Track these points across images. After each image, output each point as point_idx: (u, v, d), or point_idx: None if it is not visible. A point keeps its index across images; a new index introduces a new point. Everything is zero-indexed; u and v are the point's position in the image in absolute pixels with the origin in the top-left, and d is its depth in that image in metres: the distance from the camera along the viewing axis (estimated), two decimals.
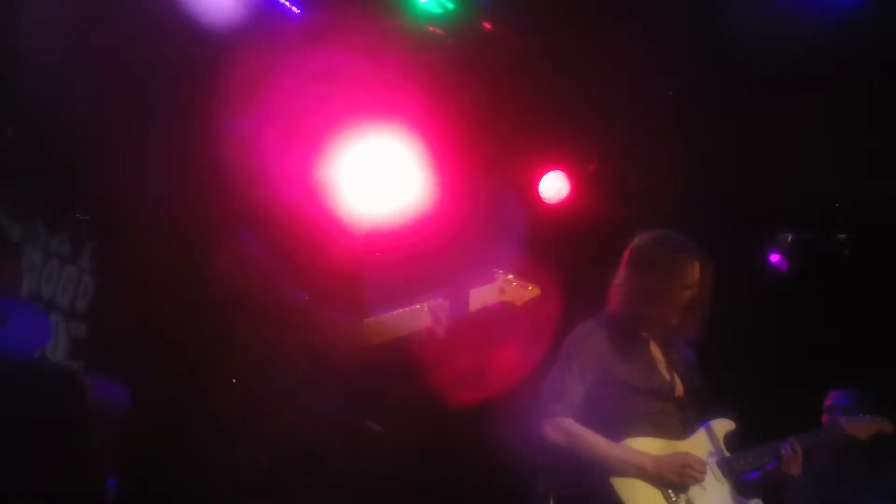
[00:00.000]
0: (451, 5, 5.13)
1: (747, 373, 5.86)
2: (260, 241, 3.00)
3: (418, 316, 3.34)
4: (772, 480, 4.17)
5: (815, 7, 4.96)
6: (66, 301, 5.14)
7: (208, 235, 3.07)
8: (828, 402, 5.42)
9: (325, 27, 4.96)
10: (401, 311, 3.32)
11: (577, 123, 6.02)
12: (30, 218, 4.97)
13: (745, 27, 4.93)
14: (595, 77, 5.62)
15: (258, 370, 2.94)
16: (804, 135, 5.49)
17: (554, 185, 6.25)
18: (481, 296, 3.52)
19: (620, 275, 4.17)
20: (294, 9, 5.02)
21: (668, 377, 4.11)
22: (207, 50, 4.45)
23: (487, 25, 5.29)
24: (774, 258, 5.89)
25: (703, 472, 3.87)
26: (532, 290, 3.82)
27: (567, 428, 3.86)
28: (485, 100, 5.65)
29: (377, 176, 5.32)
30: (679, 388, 4.12)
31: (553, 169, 6.25)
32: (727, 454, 4.07)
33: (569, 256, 6.13)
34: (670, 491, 3.85)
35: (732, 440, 4.13)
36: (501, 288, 3.60)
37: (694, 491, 3.89)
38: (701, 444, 4.04)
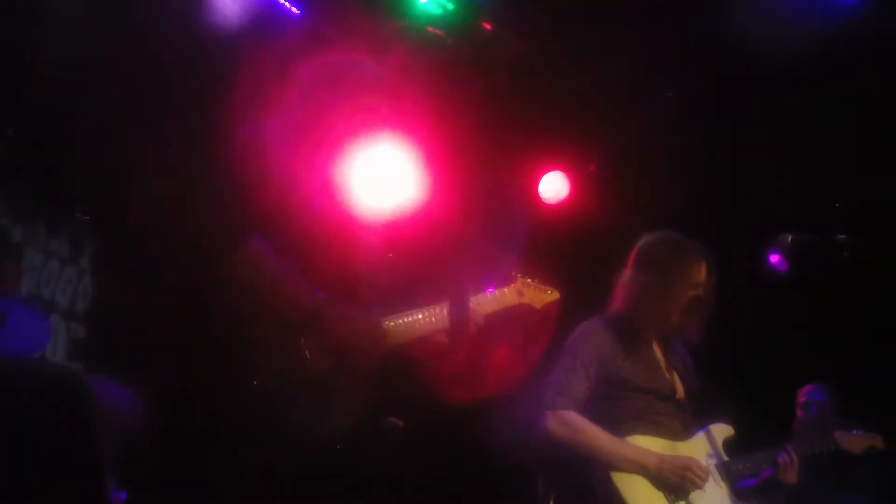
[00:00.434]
0: (450, 6, 5.14)
1: (746, 375, 5.87)
2: (271, 240, 2.99)
3: (439, 316, 3.35)
4: (768, 488, 4.19)
5: (815, 8, 4.97)
6: (66, 302, 5.12)
7: (212, 236, 3.06)
8: (801, 398, 5.44)
9: (325, 28, 4.96)
10: (422, 311, 3.33)
11: (576, 124, 6.03)
12: (31, 219, 4.96)
13: (744, 28, 4.94)
14: (595, 77, 5.63)
15: (276, 371, 2.94)
16: (804, 135, 5.50)
17: (554, 186, 6.25)
18: (501, 298, 3.53)
19: (626, 275, 4.19)
20: (294, 9, 5.02)
21: (669, 378, 4.12)
22: (207, 51, 4.45)
23: (487, 26, 5.30)
24: (774, 259, 5.89)
25: (704, 479, 3.87)
26: (551, 294, 3.83)
27: (571, 421, 3.87)
28: (484, 100, 5.65)
29: (377, 177, 5.33)
30: (679, 390, 4.13)
31: (553, 169, 6.26)
32: (725, 458, 4.08)
33: (568, 257, 6.13)
34: (669, 491, 3.86)
35: (730, 446, 4.14)
36: (520, 291, 3.62)
37: (693, 492, 3.90)
38: (700, 447, 4.05)
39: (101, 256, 5.07)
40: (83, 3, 4.29)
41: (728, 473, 4.05)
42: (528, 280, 3.66)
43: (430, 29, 5.23)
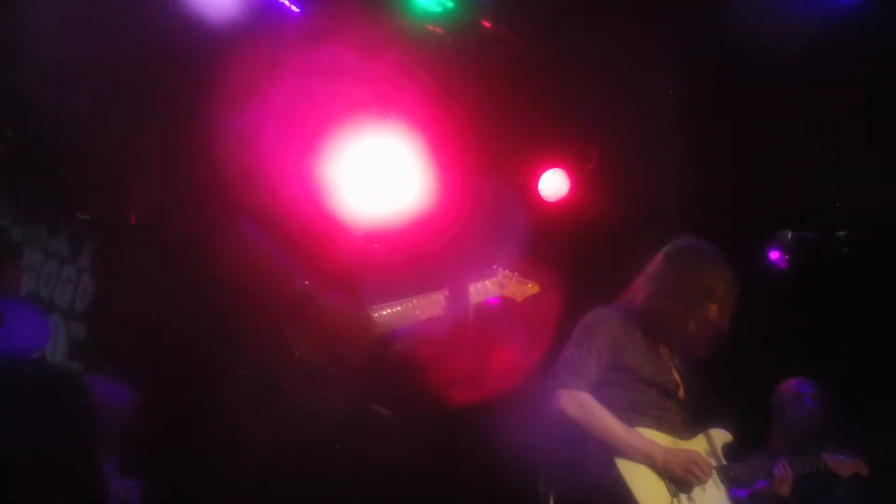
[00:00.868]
0: (450, 4, 5.13)
1: (745, 372, 5.86)
2: (260, 230, 2.98)
3: (429, 305, 3.36)
4: (762, 500, 4.21)
5: (816, 7, 4.97)
6: (66, 301, 5.13)
7: (208, 230, 3.05)
8: (790, 390, 5.44)
9: (325, 26, 4.96)
10: (412, 300, 3.33)
11: (576, 121, 6.02)
12: (31, 219, 4.96)
13: (745, 27, 4.93)
14: (595, 75, 5.62)
15: (266, 360, 2.93)
16: (804, 133, 5.50)
17: (553, 184, 6.25)
18: (482, 290, 3.53)
19: (650, 270, 4.19)
20: (293, 7, 5.02)
21: (673, 376, 4.14)
22: (208, 49, 4.44)
23: (487, 24, 5.30)
24: (774, 255, 5.89)
25: (707, 475, 3.88)
26: (532, 287, 3.84)
27: (583, 401, 3.87)
28: (484, 98, 5.65)
29: (377, 173, 5.34)
30: (682, 390, 4.14)
31: (552, 167, 6.26)
32: (724, 462, 4.09)
33: (568, 255, 6.13)
34: (672, 484, 3.86)
35: (728, 452, 4.15)
36: (501, 283, 3.63)
37: (695, 489, 3.91)
38: (701, 448, 4.07)
39: (101, 256, 5.07)
40: (82, 3, 4.29)
41: (726, 477, 4.06)
42: (510, 273, 3.67)
43: (430, 27, 5.23)
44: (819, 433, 5.12)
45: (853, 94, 5.25)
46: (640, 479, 3.82)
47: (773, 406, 5.52)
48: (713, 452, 4.10)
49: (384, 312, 3.26)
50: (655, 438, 3.92)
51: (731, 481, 4.08)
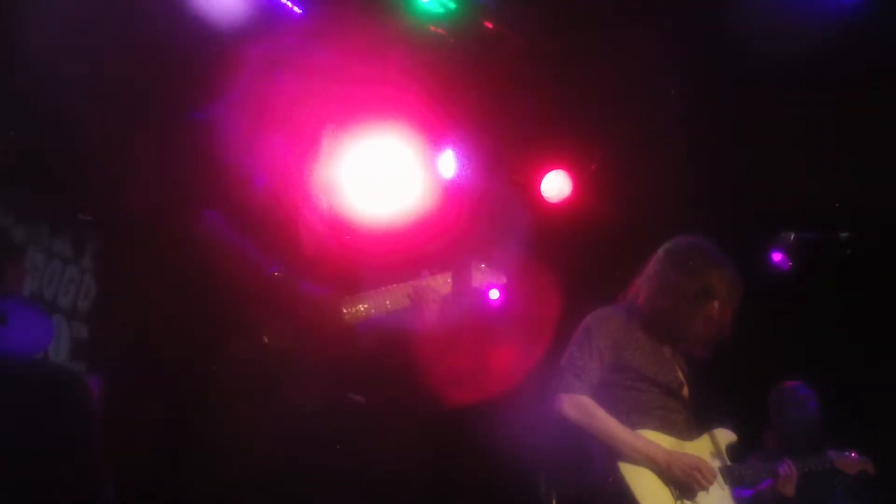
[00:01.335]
0: (452, 5, 5.13)
1: (747, 374, 5.86)
2: (227, 218, 2.97)
3: (402, 294, 3.36)
4: (765, 500, 4.19)
5: (817, 8, 4.96)
6: (68, 302, 5.14)
7: (181, 224, 3.02)
8: (791, 393, 5.44)
9: (327, 27, 4.96)
10: (384, 288, 3.33)
11: (578, 122, 6.02)
12: (33, 219, 4.97)
13: (746, 27, 4.93)
14: (597, 76, 5.62)
15: (236, 352, 2.91)
16: (806, 134, 5.49)
17: (556, 185, 6.25)
18: (442, 280, 3.52)
19: (650, 270, 4.17)
20: (296, 9, 5.02)
21: (677, 376, 4.13)
22: (209, 49, 4.45)
23: (489, 25, 5.29)
24: (776, 257, 5.88)
25: (710, 482, 3.86)
26: (500, 278, 3.81)
27: (585, 405, 3.85)
28: (486, 99, 5.65)
29: (377, 174, 5.34)
30: (686, 389, 4.13)
31: (555, 168, 6.26)
32: (728, 463, 4.08)
33: (570, 255, 6.14)
34: (675, 486, 3.86)
35: (732, 451, 4.14)
36: (473, 275, 3.62)
37: (698, 491, 3.90)
38: (705, 448, 4.06)
39: (103, 256, 5.08)
40: (84, 4, 4.30)
41: (730, 478, 4.05)
42: (482, 265, 3.67)
43: (432, 28, 5.23)
44: (816, 436, 5.12)
45: (855, 95, 5.25)
46: (643, 482, 3.81)
47: (771, 408, 5.52)
48: (717, 452, 4.08)
49: (358, 305, 3.25)
50: (659, 440, 3.91)
51: (735, 482, 4.06)
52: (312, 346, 3.07)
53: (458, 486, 5.87)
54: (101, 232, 5.16)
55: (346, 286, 3.23)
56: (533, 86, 5.67)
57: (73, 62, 4.33)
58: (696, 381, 4.21)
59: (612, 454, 3.80)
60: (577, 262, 5.96)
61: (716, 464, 4.02)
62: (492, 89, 5.61)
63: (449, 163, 5.73)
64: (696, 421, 4.11)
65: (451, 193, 5.68)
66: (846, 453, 4.56)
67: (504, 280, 3.69)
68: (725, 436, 4.14)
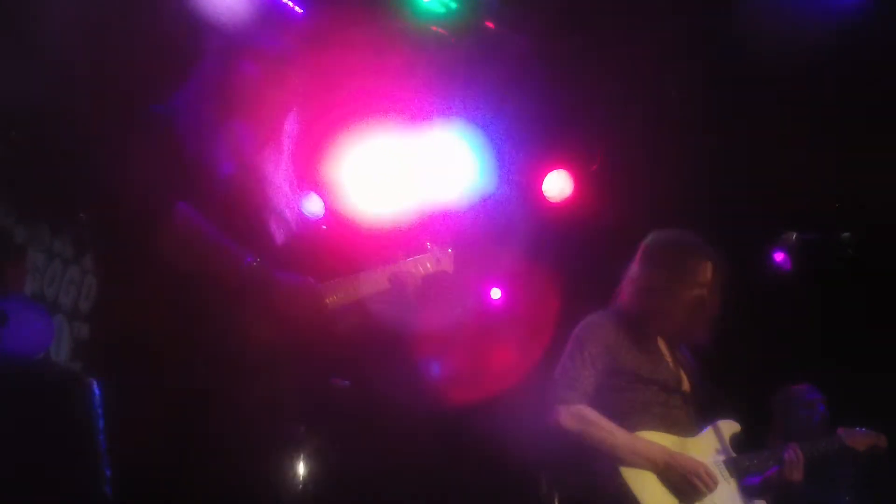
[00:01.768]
0: (453, 5, 5.13)
1: (750, 373, 5.86)
2: (201, 208, 2.95)
3: (379, 278, 3.36)
4: (773, 486, 4.18)
5: (817, 8, 4.96)
6: (70, 302, 5.14)
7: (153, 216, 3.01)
8: (801, 396, 5.44)
9: (328, 26, 4.96)
10: (361, 273, 3.33)
11: (580, 122, 6.02)
12: (34, 219, 4.96)
13: (747, 28, 4.93)
14: (599, 76, 5.62)
15: (214, 344, 2.90)
16: (808, 135, 5.49)
17: (557, 185, 6.25)
18: (416, 264, 3.53)
19: (632, 270, 4.19)
20: (297, 8, 5.02)
21: (674, 371, 4.12)
22: (210, 49, 4.44)
23: (490, 25, 5.29)
24: (778, 257, 5.88)
25: (711, 487, 3.84)
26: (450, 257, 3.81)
27: (581, 414, 3.85)
28: (487, 99, 5.65)
29: (379, 171, 5.36)
30: (685, 384, 4.13)
31: (556, 168, 6.26)
32: (733, 455, 4.07)
33: (571, 255, 6.13)
34: (678, 488, 3.85)
35: (737, 442, 4.14)
36: (437, 259, 3.63)
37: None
38: (709, 442, 4.05)
39: (104, 257, 5.07)
40: (86, 5, 4.29)
41: (737, 469, 4.05)
42: (442, 248, 3.68)
43: (434, 28, 5.23)
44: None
45: (855, 95, 5.24)
46: (646, 486, 3.80)
47: (776, 410, 5.51)
48: (722, 445, 4.07)
49: (337, 290, 3.26)
50: (661, 440, 3.90)
51: (742, 473, 4.06)
52: (295, 333, 3.07)
53: (458, 487, 5.87)
54: (103, 232, 5.15)
55: (321, 273, 3.23)
56: (534, 85, 5.67)
57: (75, 62, 4.32)
58: (697, 373, 4.22)
59: (613, 461, 3.80)
60: (578, 261, 5.95)
61: (720, 457, 4.02)
62: (493, 89, 5.61)
63: (449, 163, 5.73)
64: (701, 413, 4.11)
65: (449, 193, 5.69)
66: (856, 429, 4.53)
67: (436, 267, 3.69)
68: (730, 427, 4.13)
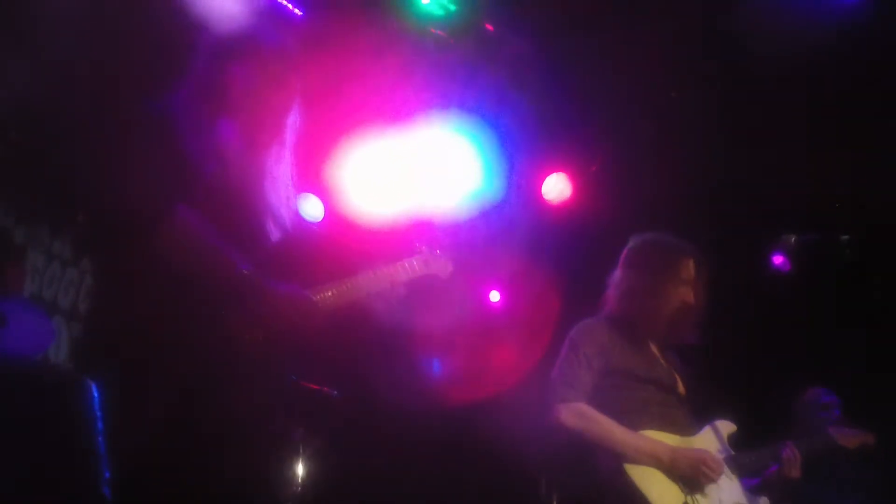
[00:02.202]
0: (452, 7, 5.13)
1: (749, 375, 5.86)
2: (198, 214, 2.95)
3: (370, 281, 3.38)
4: (774, 484, 4.19)
5: (816, 9, 4.96)
6: (68, 303, 5.13)
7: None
8: (818, 399, 5.46)
9: (327, 29, 4.96)
10: (352, 277, 3.35)
11: (579, 124, 6.02)
12: (33, 221, 4.96)
13: (748, 29, 4.93)
14: (598, 78, 5.62)
15: (203, 348, 2.90)
16: (807, 136, 5.49)
17: (556, 186, 6.26)
18: (410, 269, 3.54)
19: (616, 276, 4.24)
20: (296, 10, 5.02)
21: (669, 372, 4.15)
22: (209, 51, 4.44)
23: (489, 27, 5.30)
24: (777, 260, 5.90)
25: (718, 473, 3.88)
26: (448, 266, 3.81)
27: (582, 412, 3.86)
28: (486, 101, 5.65)
29: (377, 175, 5.37)
30: (680, 385, 4.15)
31: (556, 170, 6.26)
32: (733, 453, 4.09)
33: (570, 256, 6.14)
34: (683, 483, 3.86)
35: (734, 441, 4.15)
36: (427, 262, 3.64)
37: (707, 485, 3.90)
38: (710, 441, 4.06)
39: (103, 258, 5.06)
40: (85, 5, 4.29)
41: (737, 467, 4.07)
42: (433, 252, 3.69)
43: (433, 30, 5.23)
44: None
45: (855, 95, 5.25)
46: (651, 482, 3.81)
47: (795, 413, 5.52)
48: (721, 444, 4.10)
49: (325, 293, 3.27)
50: (662, 438, 3.91)
51: (742, 471, 4.08)
52: (285, 340, 3.08)
53: (458, 487, 5.87)
54: (102, 234, 5.15)
55: (316, 274, 3.24)
56: (533, 87, 5.68)
57: (74, 63, 4.33)
58: (692, 373, 4.23)
59: (616, 457, 3.80)
60: (577, 263, 5.95)
61: (720, 455, 4.03)
62: (492, 91, 5.62)
63: (447, 165, 5.74)
64: (697, 414, 4.12)
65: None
66: (845, 429, 4.58)
67: (450, 268, 3.70)
68: (726, 427, 4.16)
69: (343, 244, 4.53)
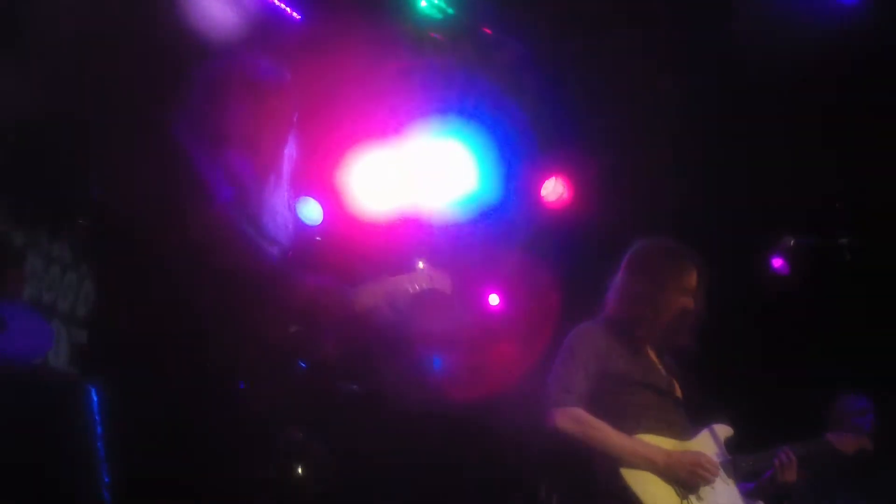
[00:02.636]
0: (450, 10, 5.14)
1: (748, 378, 5.87)
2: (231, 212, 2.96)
3: (402, 283, 3.38)
4: (770, 488, 4.20)
5: (816, 10, 4.97)
6: (67, 307, 5.13)
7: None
8: (853, 405, 5.47)
9: (325, 32, 4.97)
10: (385, 279, 3.35)
11: (578, 126, 6.03)
12: (32, 224, 4.96)
13: (745, 31, 4.94)
14: (596, 80, 5.63)
15: (242, 339, 2.90)
16: (805, 137, 5.50)
17: (556, 188, 6.27)
18: (411, 282, 3.55)
19: (618, 279, 4.23)
20: (294, 14, 5.03)
21: (666, 375, 4.15)
22: (209, 54, 4.45)
23: (487, 31, 5.30)
24: (776, 262, 5.89)
25: (714, 474, 3.88)
26: (448, 283, 3.82)
27: (578, 417, 3.86)
28: (485, 104, 5.66)
29: (375, 180, 5.37)
30: (677, 389, 4.16)
31: (555, 171, 6.27)
32: (730, 456, 4.10)
33: (569, 258, 6.14)
34: (680, 486, 3.86)
35: (730, 445, 4.15)
36: (430, 277, 3.64)
37: (703, 488, 3.90)
38: (707, 445, 4.07)
39: (103, 262, 5.07)
40: (84, 7, 4.30)
41: (735, 470, 4.07)
42: (435, 268, 3.69)
43: (431, 33, 5.24)
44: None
45: (854, 96, 5.25)
46: (647, 486, 3.81)
47: (834, 419, 5.51)
48: (718, 448, 4.10)
49: (367, 286, 3.28)
50: (659, 443, 3.91)
51: (739, 474, 4.09)
52: (326, 335, 3.08)
53: (457, 489, 5.87)
54: (101, 237, 5.15)
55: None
56: (532, 90, 5.69)
57: (73, 65, 4.33)
58: (689, 378, 4.24)
59: (612, 462, 3.80)
60: (576, 265, 5.96)
61: (718, 459, 4.03)
62: (490, 93, 5.63)
63: (446, 168, 5.74)
64: (694, 418, 4.13)
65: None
66: (842, 434, 4.58)
67: (448, 283, 3.70)
68: (723, 430, 4.16)
69: (342, 248, 4.53)
